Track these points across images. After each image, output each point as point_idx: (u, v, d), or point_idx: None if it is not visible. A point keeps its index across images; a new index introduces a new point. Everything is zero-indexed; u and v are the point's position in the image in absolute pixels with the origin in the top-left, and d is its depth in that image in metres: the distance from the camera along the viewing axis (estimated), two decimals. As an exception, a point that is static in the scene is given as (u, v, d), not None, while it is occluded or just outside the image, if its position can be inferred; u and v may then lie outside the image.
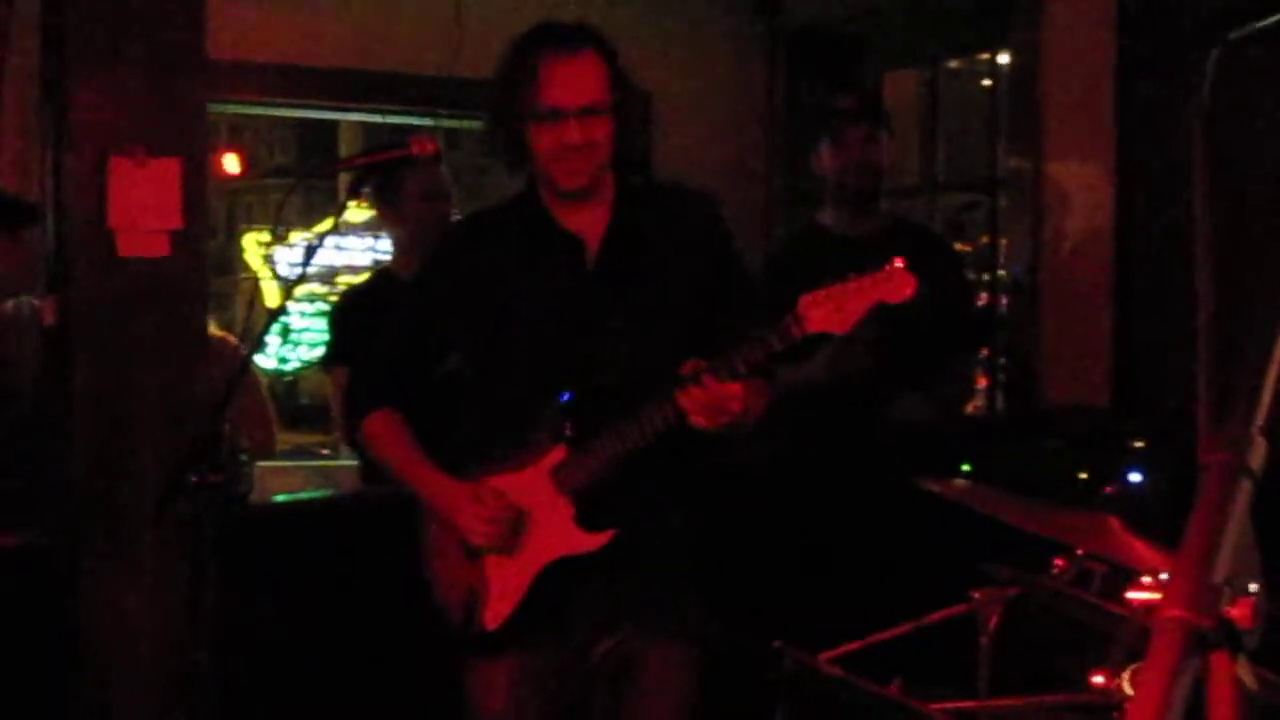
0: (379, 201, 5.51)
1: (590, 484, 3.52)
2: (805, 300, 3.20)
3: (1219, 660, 1.13)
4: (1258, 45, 1.38)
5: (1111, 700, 2.61)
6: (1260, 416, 1.20)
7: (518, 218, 3.72)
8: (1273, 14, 1.41)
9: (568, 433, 3.54)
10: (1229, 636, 1.13)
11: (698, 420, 3.32)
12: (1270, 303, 1.25)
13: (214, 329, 5.23)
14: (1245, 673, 1.14)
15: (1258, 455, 1.19)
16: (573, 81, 3.49)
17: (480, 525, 3.57)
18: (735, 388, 3.28)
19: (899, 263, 3.18)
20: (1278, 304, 1.25)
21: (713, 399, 3.28)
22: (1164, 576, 2.86)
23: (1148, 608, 2.77)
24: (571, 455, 3.54)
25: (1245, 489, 1.17)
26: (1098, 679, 2.78)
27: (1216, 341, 1.34)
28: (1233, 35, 1.44)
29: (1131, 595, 2.96)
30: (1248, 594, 1.15)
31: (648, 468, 3.48)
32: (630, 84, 3.60)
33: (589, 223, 3.63)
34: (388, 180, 5.24)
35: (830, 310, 3.19)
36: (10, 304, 4.90)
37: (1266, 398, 1.21)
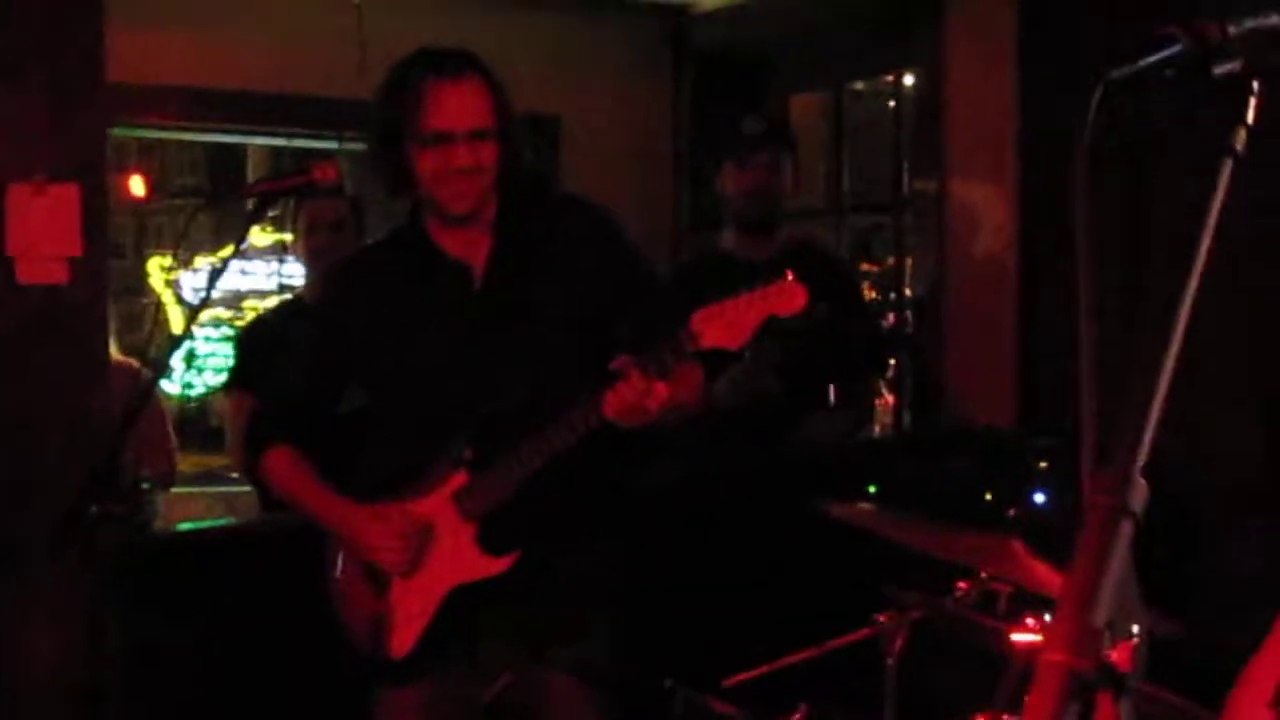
0: (290, 230, 5.51)
1: (492, 508, 3.51)
2: (698, 316, 3.21)
3: (1103, 702, 1.14)
4: (1138, 84, 1.39)
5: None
6: (1141, 458, 1.21)
7: (402, 248, 3.71)
8: (1153, 53, 1.42)
9: (467, 457, 3.53)
10: (1111, 680, 1.13)
11: (619, 419, 3.30)
12: (1152, 345, 1.26)
13: (116, 354, 5.18)
14: (1127, 715, 1.15)
15: (1139, 497, 1.20)
16: (459, 105, 3.48)
17: (386, 543, 3.56)
18: (659, 387, 3.26)
19: (789, 275, 3.20)
20: (1159, 346, 1.26)
21: (636, 397, 3.26)
22: (1047, 618, 2.89)
23: (1030, 650, 2.79)
24: (473, 479, 3.53)
25: (1126, 531, 1.18)
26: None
27: (1099, 381, 1.35)
28: (1114, 75, 1.45)
29: (1015, 638, 2.99)
30: (1129, 637, 1.15)
31: (551, 491, 3.47)
32: (513, 109, 3.60)
33: (473, 247, 3.62)
34: (292, 210, 5.23)
35: (723, 325, 3.21)
36: None
37: (1147, 439, 1.22)
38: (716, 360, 3.40)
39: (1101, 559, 1.15)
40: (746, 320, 3.21)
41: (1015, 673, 2.86)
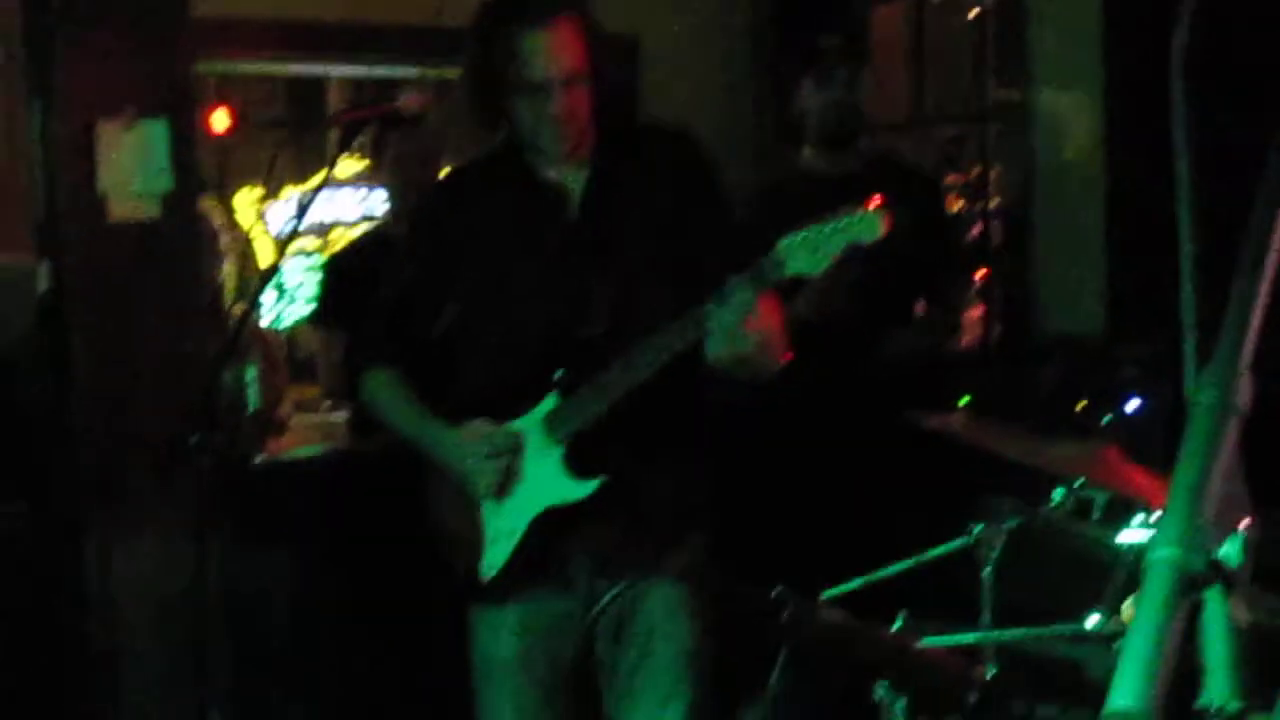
0: (371, 159, 5.51)
1: (581, 431, 3.54)
2: (782, 244, 3.22)
3: (1211, 599, 1.15)
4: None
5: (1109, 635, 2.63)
6: (1247, 354, 1.21)
7: (499, 170, 3.73)
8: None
9: (560, 380, 3.55)
10: (1219, 576, 1.14)
11: (721, 343, 3.30)
12: (1256, 238, 1.26)
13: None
14: (1238, 610, 1.15)
15: (1245, 393, 1.20)
16: (552, 53, 3.48)
17: (477, 465, 3.59)
18: (748, 299, 3.27)
19: (874, 202, 3.20)
20: (1263, 240, 1.25)
21: (731, 316, 3.27)
22: (1155, 516, 2.89)
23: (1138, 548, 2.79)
24: (563, 402, 3.55)
25: (1233, 427, 1.18)
26: (1094, 618, 2.80)
27: (1202, 276, 1.35)
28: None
29: (1122, 536, 2.99)
30: (1237, 532, 1.16)
31: (638, 414, 3.49)
32: (606, 45, 3.60)
33: (571, 171, 3.64)
34: (375, 140, 5.23)
35: (806, 252, 3.21)
36: None
37: (1252, 335, 1.21)
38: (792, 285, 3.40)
39: (1207, 455, 1.15)
40: (829, 248, 3.22)
41: (1122, 573, 2.86)
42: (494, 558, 3.65)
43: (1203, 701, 1.17)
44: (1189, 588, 1.12)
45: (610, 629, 3.67)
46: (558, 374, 3.56)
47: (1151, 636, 1.09)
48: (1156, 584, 1.11)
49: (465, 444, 3.62)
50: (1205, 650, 1.17)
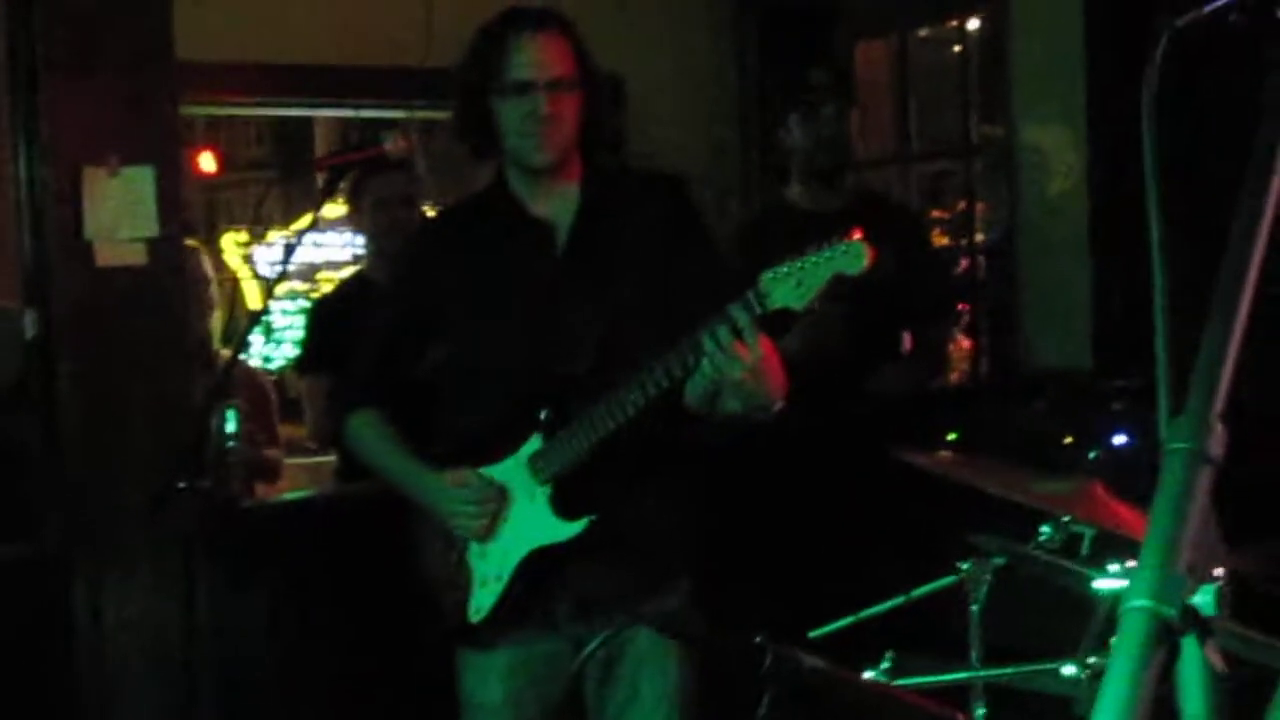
0: (348, 203, 5.51)
1: (566, 471, 3.54)
2: (765, 277, 3.22)
3: (1187, 647, 1.15)
4: (1203, 30, 1.40)
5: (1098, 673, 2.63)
6: (1219, 402, 1.21)
7: (486, 208, 3.75)
8: (1217, -1, 1.42)
9: (545, 419, 3.56)
10: (1195, 624, 1.15)
11: (708, 372, 3.30)
12: (1227, 283, 1.27)
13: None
14: (1214, 657, 1.16)
15: (1218, 442, 1.20)
16: (540, 56, 3.53)
17: (463, 509, 3.59)
18: (759, 341, 3.28)
19: (857, 234, 3.20)
20: (1236, 286, 1.26)
21: (717, 349, 3.26)
22: (1131, 563, 2.89)
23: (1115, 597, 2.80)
24: (548, 442, 3.56)
25: (1206, 476, 1.19)
26: (1068, 669, 2.81)
27: (1174, 322, 1.36)
28: (1180, 22, 1.46)
29: (1098, 585, 3.00)
30: (1212, 580, 1.17)
31: (624, 454, 3.49)
32: (596, 66, 3.64)
33: (558, 207, 3.66)
34: (354, 184, 5.24)
35: (790, 285, 3.21)
36: None
37: (1225, 383, 1.22)
38: (782, 322, 3.40)
39: (1181, 504, 1.16)
40: (813, 280, 3.22)
41: (1100, 619, 2.87)
42: (481, 601, 3.65)
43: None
44: (1164, 636, 1.13)
45: (597, 671, 3.67)
46: (542, 414, 3.56)
47: (1126, 685, 1.10)
48: (1131, 632, 1.12)
49: (450, 490, 3.63)
50: (1182, 698, 1.18)
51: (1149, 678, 1.10)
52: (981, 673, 3.27)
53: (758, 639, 2.05)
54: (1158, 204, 1.43)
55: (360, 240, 7.95)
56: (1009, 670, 3.23)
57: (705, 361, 3.27)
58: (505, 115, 3.57)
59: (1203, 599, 1.14)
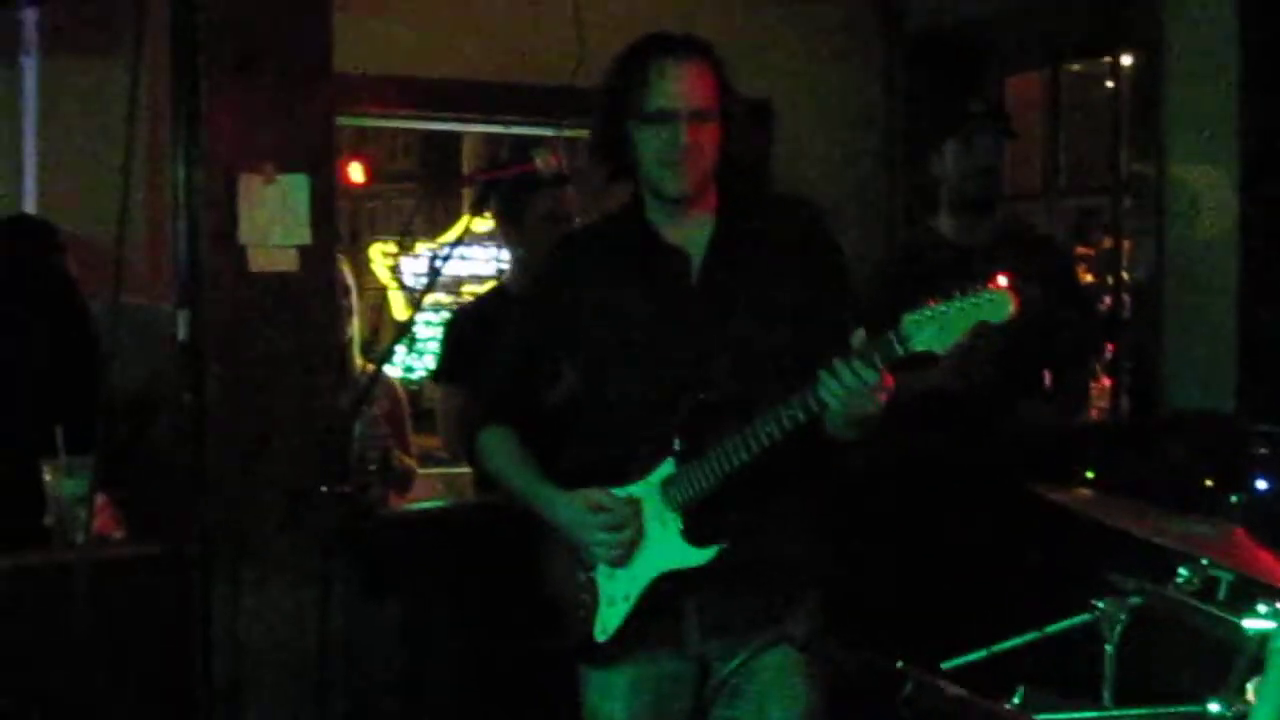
0: (502, 219, 5.51)
1: (698, 498, 3.54)
2: (909, 319, 3.20)
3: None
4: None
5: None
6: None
7: (621, 232, 3.75)
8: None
9: (678, 446, 3.56)
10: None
11: (840, 407, 3.30)
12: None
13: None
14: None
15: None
16: (683, 86, 3.53)
17: (602, 536, 3.60)
18: (882, 377, 3.27)
19: (1002, 281, 3.17)
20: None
21: (857, 385, 3.27)
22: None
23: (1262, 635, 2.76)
24: (680, 469, 3.56)
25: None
26: (1214, 706, 2.78)
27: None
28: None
29: (1248, 623, 2.96)
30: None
31: (757, 483, 3.50)
32: (737, 96, 3.64)
33: (693, 236, 3.66)
34: (513, 198, 5.25)
35: (933, 330, 3.19)
36: (105, 304, 4.94)
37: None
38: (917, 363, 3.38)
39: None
40: (955, 326, 3.19)
41: (1246, 659, 2.82)
42: (608, 620, 3.65)
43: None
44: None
45: (725, 693, 3.67)
46: (676, 442, 3.57)
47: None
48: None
49: (585, 514, 3.63)
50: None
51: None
52: (1117, 712, 3.23)
53: (899, 664, 2.05)
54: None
55: (505, 254, 8.02)
56: (1145, 711, 3.19)
57: (839, 397, 3.27)
58: (644, 143, 3.58)
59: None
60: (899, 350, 3.20)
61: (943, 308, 3.17)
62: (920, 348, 3.19)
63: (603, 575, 3.66)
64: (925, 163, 5.56)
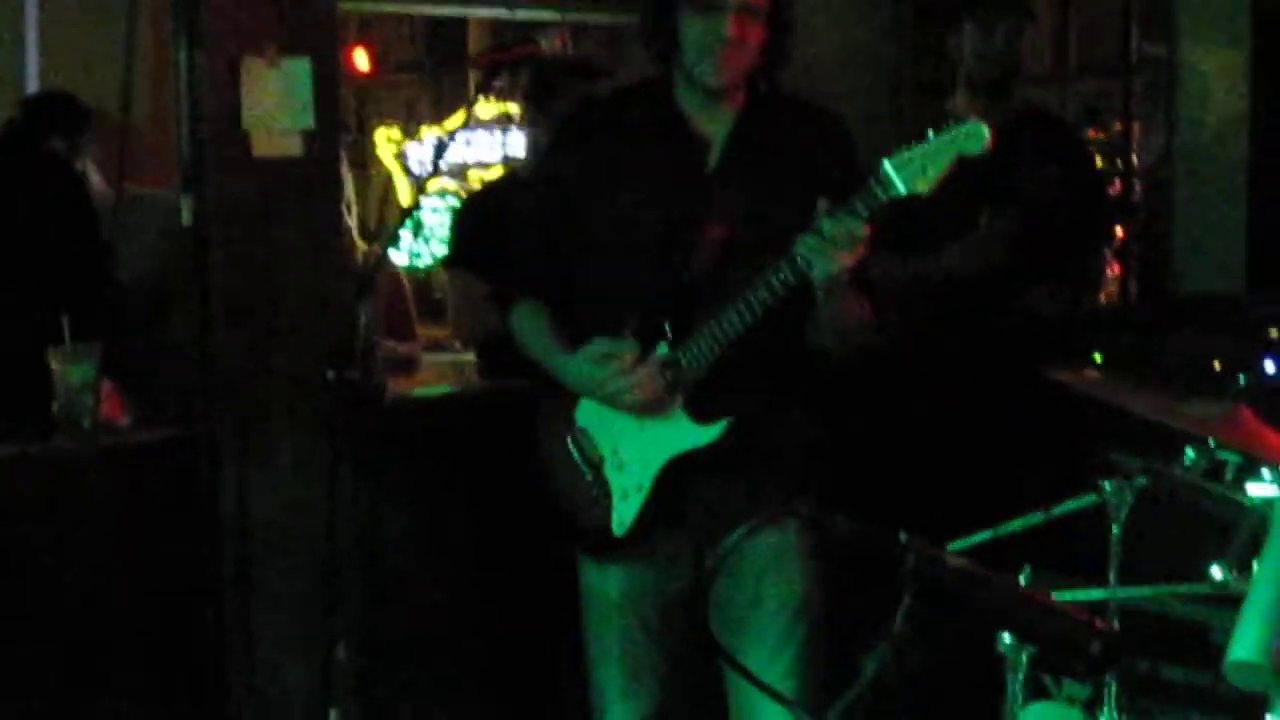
0: (529, 102, 5.44)
1: (699, 377, 3.54)
2: (887, 163, 3.22)
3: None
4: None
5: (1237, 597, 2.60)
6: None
7: (647, 109, 3.72)
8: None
9: (668, 330, 3.55)
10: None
11: (822, 264, 3.30)
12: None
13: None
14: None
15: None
16: None
17: (622, 382, 3.57)
18: (862, 226, 3.28)
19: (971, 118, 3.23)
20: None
21: (835, 237, 3.27)
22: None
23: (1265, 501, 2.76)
24: (675, 351, 3.55)
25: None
26: (1216, 571, 2.78)
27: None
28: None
29: (1251, 488, 2.96)
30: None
31: (757, 359, 3.50)
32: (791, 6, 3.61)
33: (717, 125, 3.64)
34: (543, 82, 5.18)
35: (914, 170, 3.21)
36: (113, 191, 4.91)
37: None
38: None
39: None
40: (937, 163, 3.21)
41: (1250, 527, 2.83)
42: (624, 514, 3.65)
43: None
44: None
45: (720, 571, 3.67)
46: (666, 325, 3.55)
47: (1275, 588, 1.09)
48: (1283, 536, 1.11)
49: (594, 369, 3.59)
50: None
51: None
52: (1122, 591, 3.24)
53: (900, 536, 2.05)
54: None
55: (513, 140, 7.97)
56: (1149, 591, 3.20)
57: (825, 252, 3.27)
58: (689, 31, 3.55)
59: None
60: (881, 194, 3.23)
61: (920, 147, 3.22)
62: (903, 190, 3.22)
63: (611, 469, 3.66)
64: (942, 42, 5.48)
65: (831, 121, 3.74)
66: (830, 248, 3.28)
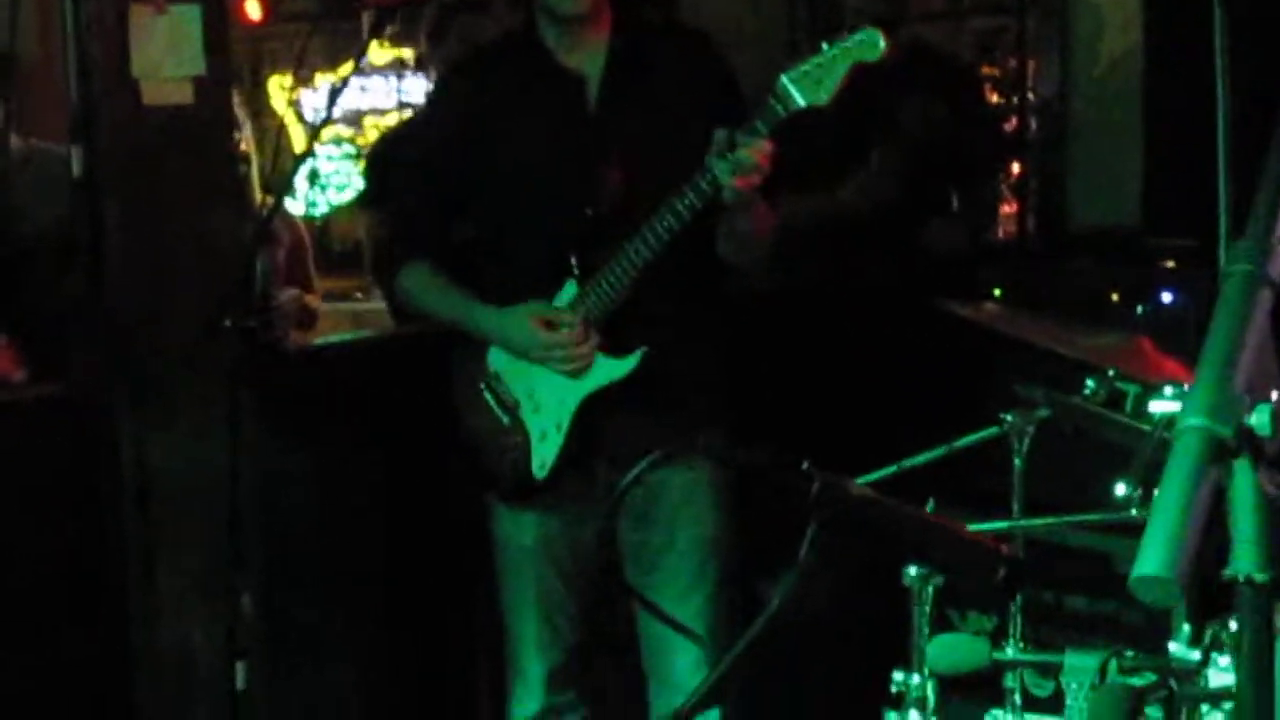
0: (427, 42, 5.40)
1: (611, 309, 3.52)
2: (783, 77, 3.24)
3: (1240, 470, 1.14)
4: None
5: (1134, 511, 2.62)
6: (1278, 227, 1.20)
7: (515, 54, 3.70)
8: None
9: (574, 265, 3.53)
10: (1250, 444, 1.13)
11: (733, 186, 3.30)
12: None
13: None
14: (1266, 480, 1.15)
15: (1277, 266, 1.19)
16: None
17: (564, 352, 3.55)
18: (766, 144, 3.28)
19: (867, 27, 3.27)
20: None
21: (741, 157, 3.26)
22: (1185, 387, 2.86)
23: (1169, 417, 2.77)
24: (582, 288, 3.53)
25: (1266, 299, 1.17)
26: (1120, 488, 2.79)
27: (1236, 152, 1.34)
28: None
29: (1153, 406, 2.97)
30: (1267, 402, 1.15)
31: (667, 289, 3.49)
32: None
33: (588, 59, 3.62)
34: (438, 22, 5.15)
35: (810, 84, 3.23)
36: (18, 145, 4.83)
37: (1286, 209, 1.20)
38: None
39: (1240, 325, 1.15)
40: (833, 74, 3.23)
41: (1153, 442, 2.83)
42: (544, 454, 3.63)
43: (1230, 572, 1.16)
44: (1218, 455, 1.12)
45: (632, 512, 3.68)
46: (572, 259, 3.54)
47: (1179, 503, 1.09)
48: (1186, 451, 1.11)
49: (536, 332, 3.58)
50: (1233, 521, 1.17)
51: (1203, 497, 1.09)
52: (1024, 521, 3.26)
53: (805, 466, 2.04)
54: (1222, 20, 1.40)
55: (409, 85, 7.88)
56: (1051, 520, 3.22)
57: (729, 172, 3.27)
58: None
59: (1258, 420, 1.13)
60: (780, 109, 3.24)
61: (816, 59, 3.27)
62: (803, 102, 3.24)
63: (528, 411, 3.64)
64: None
65: (704, 43, 3.73)
66: (738, 168, 3.28)
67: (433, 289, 3.77)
